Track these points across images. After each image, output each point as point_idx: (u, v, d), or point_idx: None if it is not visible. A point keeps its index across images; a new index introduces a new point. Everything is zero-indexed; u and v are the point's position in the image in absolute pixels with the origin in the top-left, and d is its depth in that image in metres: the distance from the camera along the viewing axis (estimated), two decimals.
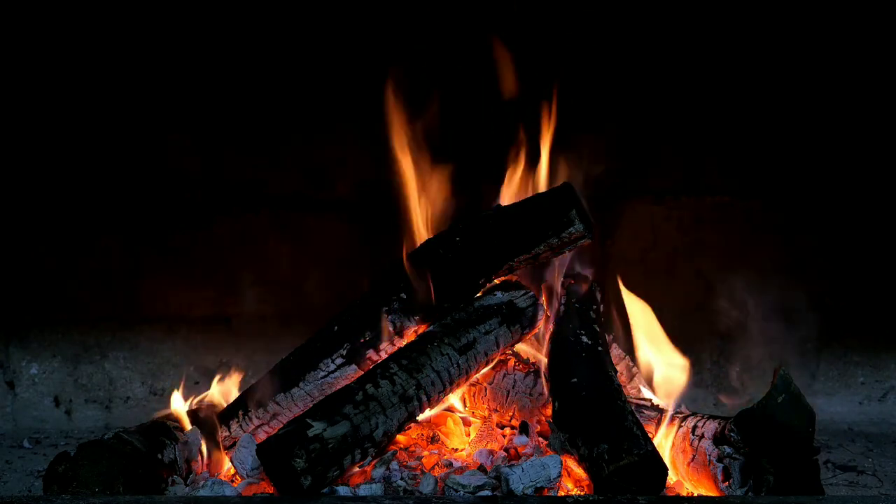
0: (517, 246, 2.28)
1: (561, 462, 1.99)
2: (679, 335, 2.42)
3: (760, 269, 3.16)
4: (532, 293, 2.35)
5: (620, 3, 3.05)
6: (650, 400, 2.33)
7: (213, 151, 3.13)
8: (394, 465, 2.07)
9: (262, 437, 2.19)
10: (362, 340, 2.28)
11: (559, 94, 2.59)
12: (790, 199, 3.18)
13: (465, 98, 2.70)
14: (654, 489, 1.89)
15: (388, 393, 2.05)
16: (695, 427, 2.10)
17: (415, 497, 1.93)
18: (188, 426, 2.23)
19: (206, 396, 2.42)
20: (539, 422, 2.29)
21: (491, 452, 2.18)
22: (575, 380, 2.12)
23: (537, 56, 2.63)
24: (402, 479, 2.04)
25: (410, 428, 2.21)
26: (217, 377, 2.50)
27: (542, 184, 2.52)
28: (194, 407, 2.36)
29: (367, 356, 2.28)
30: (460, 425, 2.32)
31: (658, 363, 2.38)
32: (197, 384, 3.05)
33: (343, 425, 1.96)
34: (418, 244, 2.45)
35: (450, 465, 2.13)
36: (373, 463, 2.05)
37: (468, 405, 2.41)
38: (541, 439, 2.23)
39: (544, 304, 2.39)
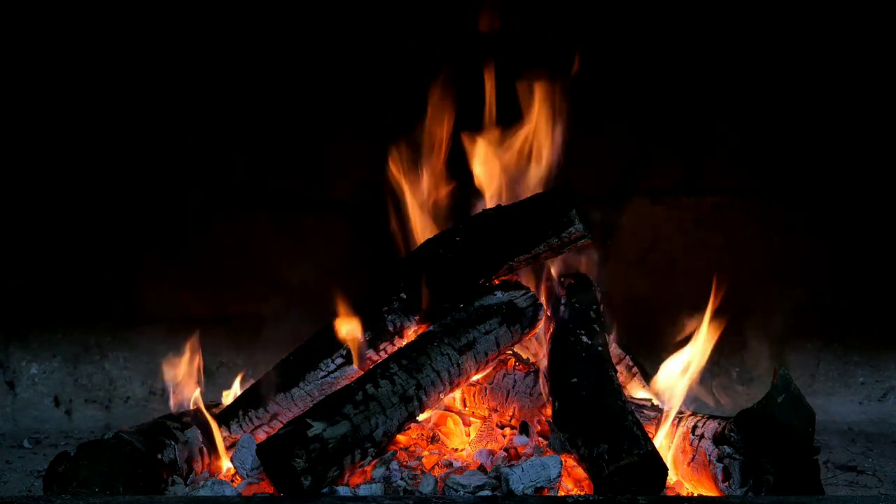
0: (517, 246, 2.28)
1: (561, 462, 1.99)
2: (679, 335, 2.42)
3: (760, 269, 3.16)
4: (532, 293, 2.35)
5: (623, 1, 3.05)
6: (650, 400, 2.33)
7: (213, 151, 3.13)
8: (394, 465, 2.07)
9: (262, 437, 2.19)
10: (362, 340, 2.28)
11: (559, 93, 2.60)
12: (790, 199, 3.18)
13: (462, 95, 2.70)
14: (654, 489, 1.89)
15: (388, 393, 2.05)
16: (695, 427, 2.10)
17: (415, 497, 1.93)
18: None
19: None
20: (539, 422, 2.29)
21: (491, 452, 2.18)
22: (575, 380, 2.12)
23: (535, 53, 2.63)
24: (402, 479, 2.04)
25: (410, 428, 2.21)
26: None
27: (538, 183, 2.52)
28: (194, 407, 2.36)
29: (367, 356, 2.28)
30: (460, 425, 2.32)
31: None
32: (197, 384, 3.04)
33: (343, 425, 1.96)
34: (418, 244, 2.46)
35: (450, 465, 2.13)
36: (373, 463, 2.05)
37: (468, 405, 2.41)
38: (541, 439, 2.23)
39: (544, 304, 2.39)
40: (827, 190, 3.16)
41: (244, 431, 2.26)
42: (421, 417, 2.21)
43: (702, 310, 2.40)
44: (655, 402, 2.32)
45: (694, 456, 2.06)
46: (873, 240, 3.17)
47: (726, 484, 1.96)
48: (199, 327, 3.15)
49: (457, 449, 2.26)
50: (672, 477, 2.10)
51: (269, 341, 3.08)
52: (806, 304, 3.16)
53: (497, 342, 2.26)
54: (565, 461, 2.03)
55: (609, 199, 3.16)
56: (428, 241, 2.41)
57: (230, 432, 2.27)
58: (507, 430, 2.32)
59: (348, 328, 2.26)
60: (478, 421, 2.36)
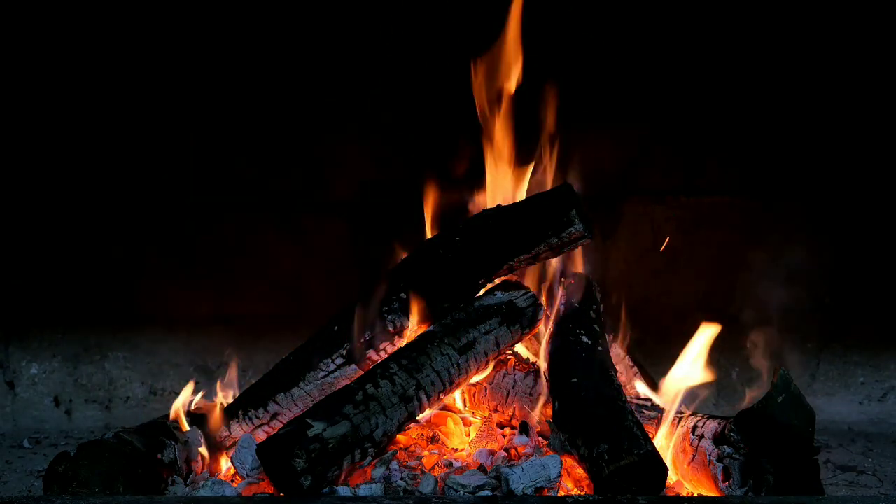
0: (517, 246, 2.28)
1: (561, 462, 1.99)
2: (679, 335, 2.42)
3: (760, 269, 3.16)
4: (532, 293, 2.35)
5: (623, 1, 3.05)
6: (650, 400, 2.33)
7: (213, 151, 3.13)
8: (394, 465, 2.07)
9: (262, 437, 2.19)
10: (362, 340, 2.28)
11: (559, 92, 2.59)
12: (790, 200, 3.18)
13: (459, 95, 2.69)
14: (654, 489, 1.89)
15: (388, 393, 2.05)
16: (695, 427, 2.10)
17: (415, 497, 1.93)
18: (186, 427, 2.23)
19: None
20: (539, 422, 2.29)
21: (491, 452, 2.18)
22: (575, 380, 2.12)
23: (536, 51, 2.63)
24: (402, 479, 2.04)
25: (410, 428, 2.21)
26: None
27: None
28: (195, 407, 2.36)
29: (367, 356, 2.28)
30: (460, 425, 2.32)
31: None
32: (197, 384, 3.04)
33: (343, 425, 1.96)
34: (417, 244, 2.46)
35: (450, 465, 2.13)
36: (373, 463, 2.05)
37: (468, 405, 2.41)
38: (541, 439, 2.23)
39: (544, 304, 2.39)
40: (827, 190, 3.16)
41: (244, 431, 2.26)
42: (421, 417, 2.21)
43: (701, 309, 2.40)
44: (656, 401, 2.32)
45: (694, 456, 2.06)
46: (873, 240, 3.17)
47: (726, 484, 1.96)
48: (199, 327, 3.17)
49: (457, 449, 2.26)
50: (672, 477, 2.10)
51: (269, 341, 3.09)
52: (806, 304, 3.16)
53: (497, 342, 2.26)
54: (565, 461, 2.03)
55: (609, 198, 3.16)
56: (428, 241, 2.40)
57: (230, 432, 2.27)
58: (507, 430, 2.31)
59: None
60: (478, 421, 2.36)
